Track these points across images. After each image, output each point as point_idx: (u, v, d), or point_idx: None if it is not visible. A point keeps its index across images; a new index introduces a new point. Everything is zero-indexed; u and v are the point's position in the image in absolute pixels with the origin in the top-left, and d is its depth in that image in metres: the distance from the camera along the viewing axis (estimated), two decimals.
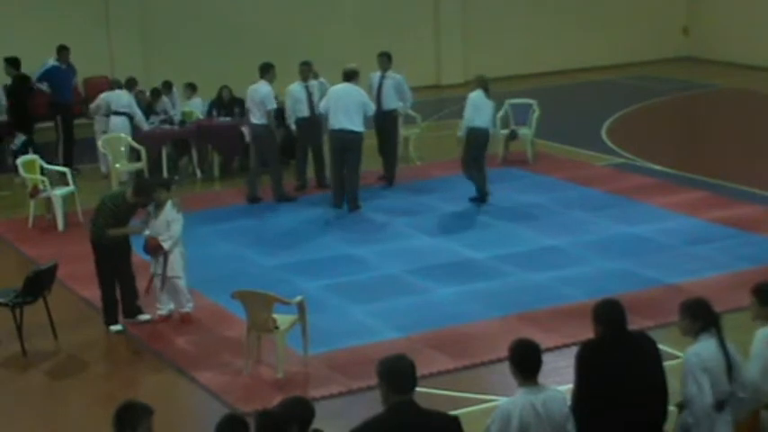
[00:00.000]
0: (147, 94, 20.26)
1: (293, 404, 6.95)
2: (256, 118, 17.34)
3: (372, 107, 17.08)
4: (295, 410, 6.85)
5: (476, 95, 16.73)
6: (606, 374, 7.23)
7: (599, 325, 7.37)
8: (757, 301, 7.99)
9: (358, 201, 16.91)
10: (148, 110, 19.72)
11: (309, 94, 17.68)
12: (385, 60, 18.22)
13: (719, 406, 7.54)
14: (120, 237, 12.42)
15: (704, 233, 15.11)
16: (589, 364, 7.30)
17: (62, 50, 19.90)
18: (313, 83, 17.91)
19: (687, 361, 7.48)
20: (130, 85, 19.78)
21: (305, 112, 17.72)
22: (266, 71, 17.42)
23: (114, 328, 12.49)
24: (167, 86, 20.62)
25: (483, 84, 16.91)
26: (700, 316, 7.61)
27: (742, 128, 22.49)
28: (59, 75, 19.77)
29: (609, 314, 7.37)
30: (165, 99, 20.12)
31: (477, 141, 16.73)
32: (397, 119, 18.55)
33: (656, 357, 7.44)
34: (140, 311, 12.64)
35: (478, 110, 16.68)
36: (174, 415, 10.23)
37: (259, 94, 17.19)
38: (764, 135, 21.60)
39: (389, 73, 18.14)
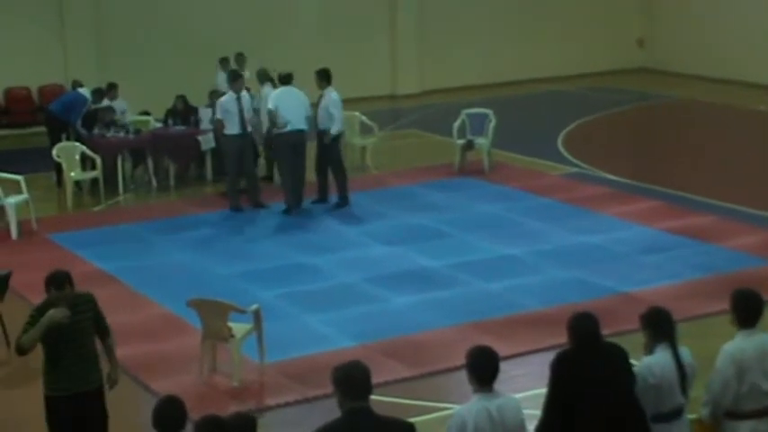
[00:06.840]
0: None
1: (242, 417, 6.87)
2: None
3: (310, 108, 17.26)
4: (246, 421, 6.77)
5: (267, 92, 17.98)
6: (578, 385, 7.28)
7: (572, 336, 7.45)
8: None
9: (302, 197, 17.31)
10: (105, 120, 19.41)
11: (241, 109, 17.08)
12: (320, 78, 17.20)
13: (674, 415, 7.58)
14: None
15: (658, 242, 15.21)
16: (561, 374, 7.35)
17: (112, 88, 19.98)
18: (245, 94, 17.40)
19: (638, 374, 7.52)
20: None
21: (236, 128, 17.12)
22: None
23: None
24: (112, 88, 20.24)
25: (266, 76, 18.56)
26: (652, 327, 7.64)
27: (696, 138, 22.68)
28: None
29: (580, 326, 7.44)
30: (109, 102, 19.75)
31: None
32: (339, 137, 17.50)
33: (627, 369, 7.48)
34: None
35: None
36: (127, 424, 10.15)
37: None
38: (718, 146, 21.80)
39: (327, 91, 17.14)
